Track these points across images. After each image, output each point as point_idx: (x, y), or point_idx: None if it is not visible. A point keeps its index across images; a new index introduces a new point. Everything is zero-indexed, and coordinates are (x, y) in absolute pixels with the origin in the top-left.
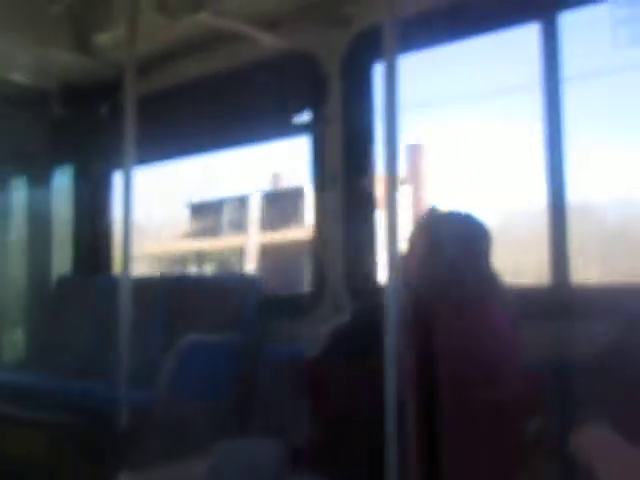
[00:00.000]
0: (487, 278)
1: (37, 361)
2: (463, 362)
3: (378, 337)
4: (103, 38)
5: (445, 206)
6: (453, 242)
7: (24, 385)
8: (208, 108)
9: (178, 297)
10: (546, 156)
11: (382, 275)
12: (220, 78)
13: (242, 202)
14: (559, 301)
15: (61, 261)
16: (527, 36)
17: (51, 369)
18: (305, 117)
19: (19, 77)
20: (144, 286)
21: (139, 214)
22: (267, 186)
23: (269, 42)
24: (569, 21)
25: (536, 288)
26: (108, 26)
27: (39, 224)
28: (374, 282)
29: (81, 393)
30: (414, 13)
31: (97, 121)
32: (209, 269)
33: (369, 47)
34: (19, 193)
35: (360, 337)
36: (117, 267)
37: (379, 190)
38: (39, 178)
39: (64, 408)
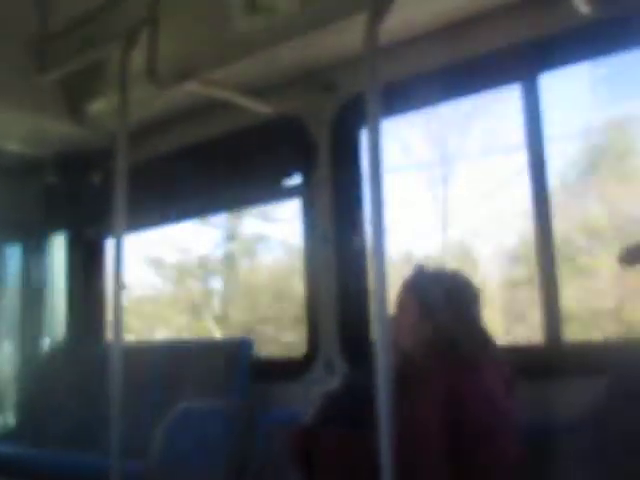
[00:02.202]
0: (479, 338)
1: (29, 431)
2: (457, 425)
3: (371, 401)
4: (95, 107)
5: (431, 264)
6: (442, 302)
7: (15, 456)
8: (199, 173)
9: (169, 363)
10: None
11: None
12: (211, 144)
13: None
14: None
15: (54, 328)
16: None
17: (43, 439)
18: (296, 181)
19: (12, 145)
20: (136, 353)
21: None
22: None
23: (258, 109)
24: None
25: (529, 347)
26: (100, 95)
27: (32, 291)
28: (368, 344)
29: (73, 463)
30: (397, 80)
31: (90, 188)
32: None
33: (356, 113)
34: (13, 260)
35: (352, 402)
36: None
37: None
38: (33, 245)
39: (56, 479)
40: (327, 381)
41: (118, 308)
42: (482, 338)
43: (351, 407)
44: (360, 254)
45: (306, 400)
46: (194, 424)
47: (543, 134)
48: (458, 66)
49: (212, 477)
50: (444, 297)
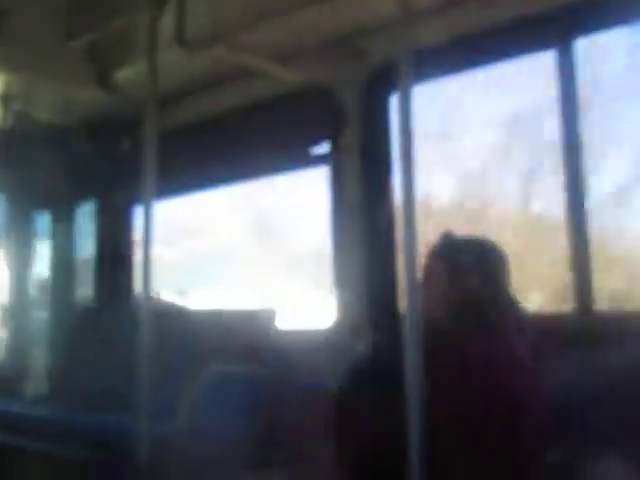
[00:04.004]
0: (507, 305)
1: (59, 393)
2: (484, 392)
3: (400, 371)
4: (124, 74)
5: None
6: (471, 269)
7: (46, 418)
8: (228, 141)
9: (199, 329)
10: None
11: (403, 305)
12: (239, 112)
13: None
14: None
15: (85, 293)
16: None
17: (72, 402)
18: (324, 149)
19: (41, 114)
20: (165, 318)
21: None
22: None
23: (287, 76)
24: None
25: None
26: (128, 62)
27: (62, 258)
28: (396, 312)
29: (102, 426)
30: (429, 45)
31: (118, 156)
32: None
33: (386, 80)
34: (43, 227)
35: (380, 369)
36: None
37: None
38: (62, 212)
39: (85, 441)
40: (355, 349)
41: (147, 273)
42: (511, 305)
43: (379, 374)
44: (388, 222)
45: (334, 368)
46: (223, 388)
47: (577, 102)
48: (490, 31)
49: (239, 442)
50: (472, 264)
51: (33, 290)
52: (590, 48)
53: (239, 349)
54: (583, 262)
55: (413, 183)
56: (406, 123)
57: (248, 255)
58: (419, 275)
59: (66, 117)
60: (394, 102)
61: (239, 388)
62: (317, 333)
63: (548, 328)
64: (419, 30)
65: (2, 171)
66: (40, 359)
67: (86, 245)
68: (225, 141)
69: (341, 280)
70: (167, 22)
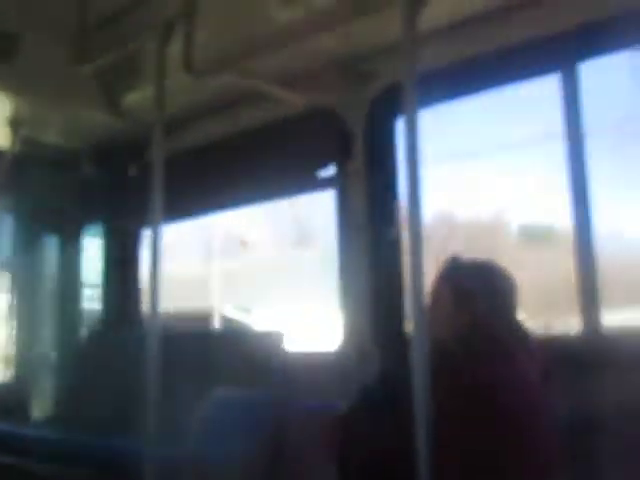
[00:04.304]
0: (516, 328)
1: (66, 416)
2: (494, 418)
3: (408, 392)
4: (132, 99)
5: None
6: (478, 293)
7: (54, 440)
8: (234, 164)
9: (206, 352)
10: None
11: (410, 327)
12: (246, 135)
13: None
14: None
15: (91, 317)
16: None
17: (80, 424)
18: (331, 171)
19: (50, 137)
20: (172, 341)
21: None
22: None
23: (293, 100)
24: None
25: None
26: (136, 87)
27: (70, 281)
28: (402, 334)
29: (108, 449)
30: (434, 69)
31: (126, 179)
32: None
33: (392, 102)
34: (51, 250)
35: (389, 391)
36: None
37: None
38: (70, 236)
39: (92, 464)
40: (361, 372)
41: (156, 296)
42: (519, 328)
43: (387, 396)
44: (394, 245)
45: (340, 391)
46: (229, 412)
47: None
48: (495, 55)
49: (246, 466)
50: (480, 288)
51: (41, 313)
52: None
53: (248, 371)
54: (590, 281)
55: (420, 205)
56: (412, 145)
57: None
58: (426, 298)
59: (74, 141)
60: (400, 124)
61: (245, 411)
62: (325, 355)
63: (557, 351)
64: (424, 52)
65: (11, 194)
66: (48, 382)
67: (94, 268)
68: (232, 165)
69: (348, 302)
70: (175, 48)
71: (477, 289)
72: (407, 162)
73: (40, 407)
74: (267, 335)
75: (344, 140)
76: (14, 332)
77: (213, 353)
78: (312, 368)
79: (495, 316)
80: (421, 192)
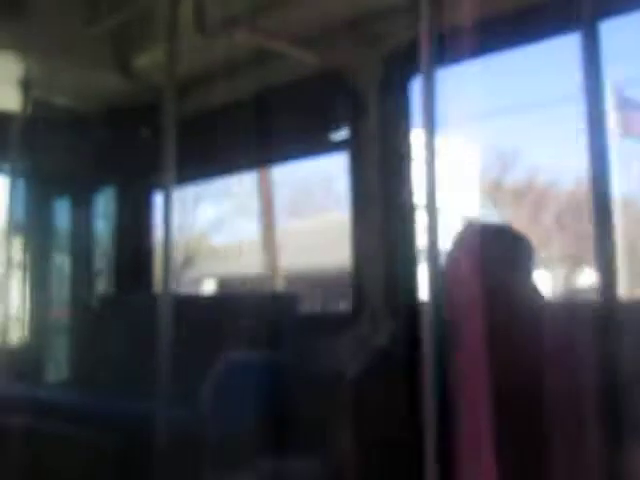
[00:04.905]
0: (534, 294)
1: (80, 378)
2: (508, 383)
3: (418, 356)
4: (143, 60)
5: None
6: (496, 258)
7: (66, 402)
8: (246, 127)
9: (217, 315)
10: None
11: (423, 292)
12: (257, 98)
13: None
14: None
15: (103, 280)
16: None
17: (93, 387)
18: (343, 135)
19: (62, 99)
20: (184, 304)
21: None
22: None
23: (306, 60)
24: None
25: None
26: (148, 48)
27: (82, 244)
28: (415, 299)
29: (120, 410)
30: (450, 26)
31: (138, 142)
32: None
33: (406, 64)
34: (62, 213)
35: (401, 356)
36: (158, 285)
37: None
38: (82, 199)
39: (105, 426)
40: (373, 336)
41: (168, 259)
42: (536, 294)
43: (397, 362)
44: (408, 209)
45: (352, 354)
46: (240, 375)
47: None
48: (514, 13)
49: (258, 429)
50: (498, 253)
51: (54, 276)
52: None
53: (260, 333)
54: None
55: (435, 167)
56: (429, 107)
57: None
58: (442, 263)
59: (86, 103)
60: (414, 86)
61: (256, 374)
62: (338, 318)
63: (577, 316)
64: (439, 12)
65: (22, 157)
66: (61, 344)
67: (105, 231)
68: (244, 127)
69: (360, 267)
70: (186, 7)
71: (495, 253)
72: (424, 122)
73: (53, 369)
74: (280, 297)
75: (357, 102)
76: (27, 295)
77: (227, 316)
78: (325, 331)
79: (514, 281)
80: (436, 153)
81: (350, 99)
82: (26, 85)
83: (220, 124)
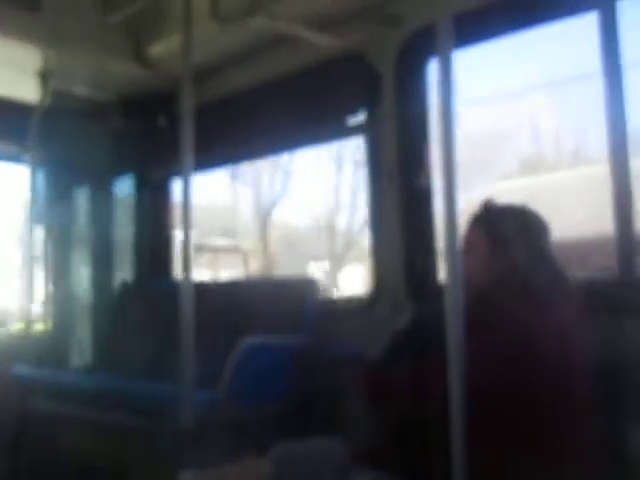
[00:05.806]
0: (552, 272)
1: (103, 364)
2: (530, 361)
3: (440, 338)
4: (159, 48)
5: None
6: (513, 236)
7: (91, 388)
8: (263, 113)
9: (238, 300)
10: None
11: (442, 274)
12: (274, 82)
13: None
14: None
15: (123, 267)
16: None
17: (117, 372)
18: (360, 117)
19: (79, 89)
20: (205, 290)
21: None
22: None
23: (323, 43)
24: None
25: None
26: (163, 36)
27: (101, 231)
28: (434, 281)
29: (146, 394)
30: (467, 9)
31: (156, 130)
32: None
33: (422, 46)
34: (82, 202)
35: (422, 339)
36: (178, 272)
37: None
38: (100, 187)
39: (129, 409)
40: (393, 319)
41: (188, 246)
42: (555, 272)
43: (420, 344)
44: (425, 191)
45: (372, 338)
46: (262, 357)
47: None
48: None
49: (278, 411)
50: (515, 231)
51: (76, 264)
52: None
53: (281, 318)
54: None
55: (453, 150)
56: (446, 89)
57: None
58: (460, 244)
59: (104, 92)
60: (431, 69)
61: (276, 357)
62: (357, 302)
63: (595, 295)
64: None
65: (41, 146)
66: (84, 331)
67: (125, 218)
68: (260, 113)
69: (379, 250)
70: None
71: (512, 233)
72: (441, 105)
73: (77, 355)
74: (300, 282)
75: (374, 85)
76: (49, 283)
77: (247, 301)
78: (345, 315)
79: (530, 260)
80: (454, 136)
81: (367, 82)
82: (45, 75)
83: (236, 111)
